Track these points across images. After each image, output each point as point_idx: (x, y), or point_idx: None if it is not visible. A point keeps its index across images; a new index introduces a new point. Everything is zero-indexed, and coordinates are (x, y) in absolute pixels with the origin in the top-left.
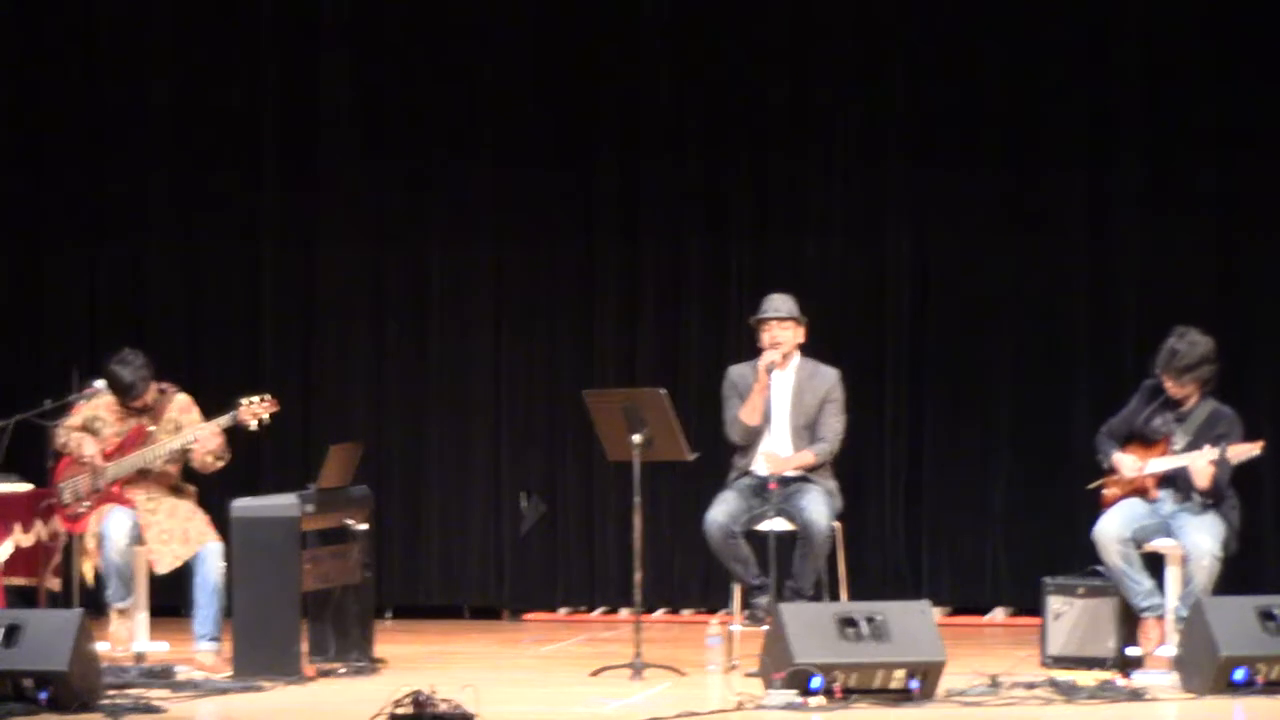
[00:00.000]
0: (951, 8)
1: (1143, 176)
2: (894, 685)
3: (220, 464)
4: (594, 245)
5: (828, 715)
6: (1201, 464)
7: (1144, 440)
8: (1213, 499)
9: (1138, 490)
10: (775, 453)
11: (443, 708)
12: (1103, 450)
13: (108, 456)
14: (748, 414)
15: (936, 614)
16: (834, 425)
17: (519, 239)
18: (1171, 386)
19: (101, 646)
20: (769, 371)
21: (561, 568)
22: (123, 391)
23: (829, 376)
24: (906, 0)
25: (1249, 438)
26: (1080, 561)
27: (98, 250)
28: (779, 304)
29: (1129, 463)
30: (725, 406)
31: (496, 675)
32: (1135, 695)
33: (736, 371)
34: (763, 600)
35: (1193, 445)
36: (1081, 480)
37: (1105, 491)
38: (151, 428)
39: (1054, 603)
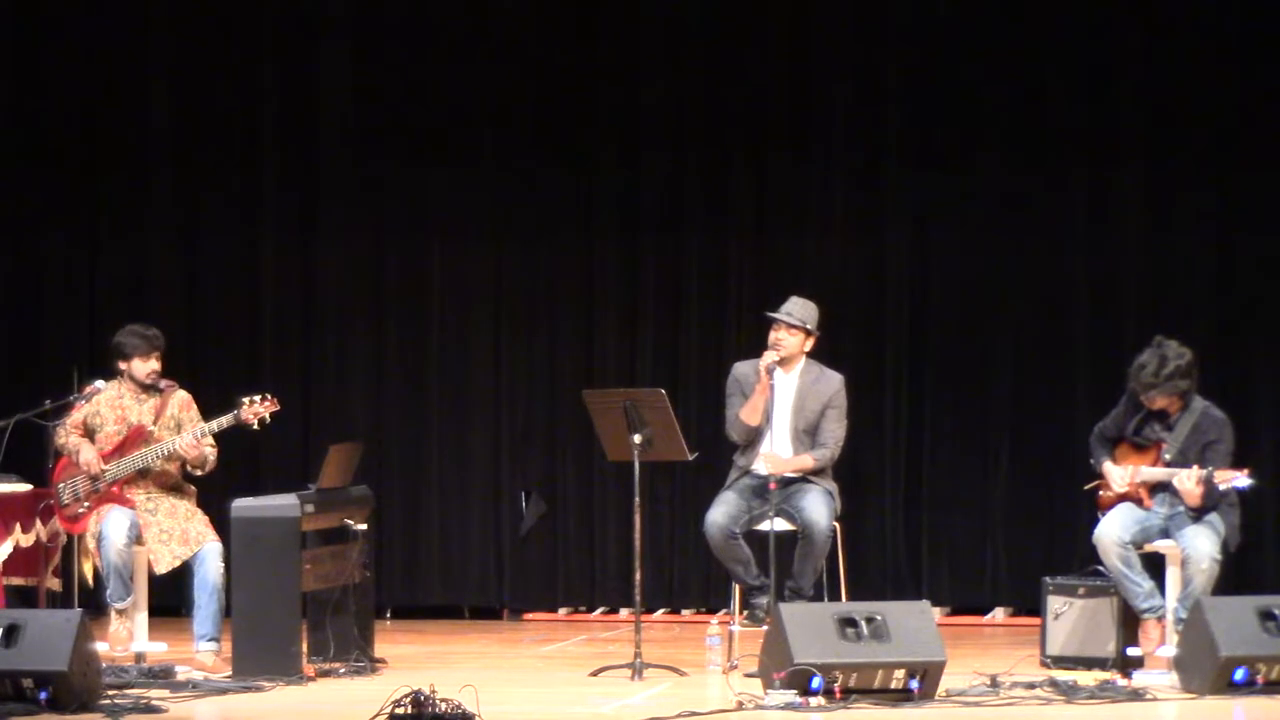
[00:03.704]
0: (951, 8)
1: (1143, 176)
2: (894, 685)
3: (199, 472)
4: (594, 245)
5: (828, 715)
6: (1189, 485)
7: (1135, 446)
8: (1204, 513)
9: (1132, 497)
10: (775, 454)
11: (443, 708)
12: (1095, 455)
13: (107, 456)
14: (748, 414)
15: (936, 614)
16: (835, 431)
17: (519, 239)
18: (1144, 399)
19: (101, 646)
20: (769, 372)
21: (561, 568)
22: (130, 347)
23: (833, 382)
24: (906, 1)
25: (1241, 443)
26: (1080, 561)
27: (98, 250)
28: (794, 308)
29: (1117, 475)
30: (728, 404)
31: (496, 675)
32: (1135, 695)
33: (741, 370)
34: (763, 600)
35: (1183, 452)
36: (1081, 480)
37: (1101, 494)
38: (151, 426)
39: (1054, 603)
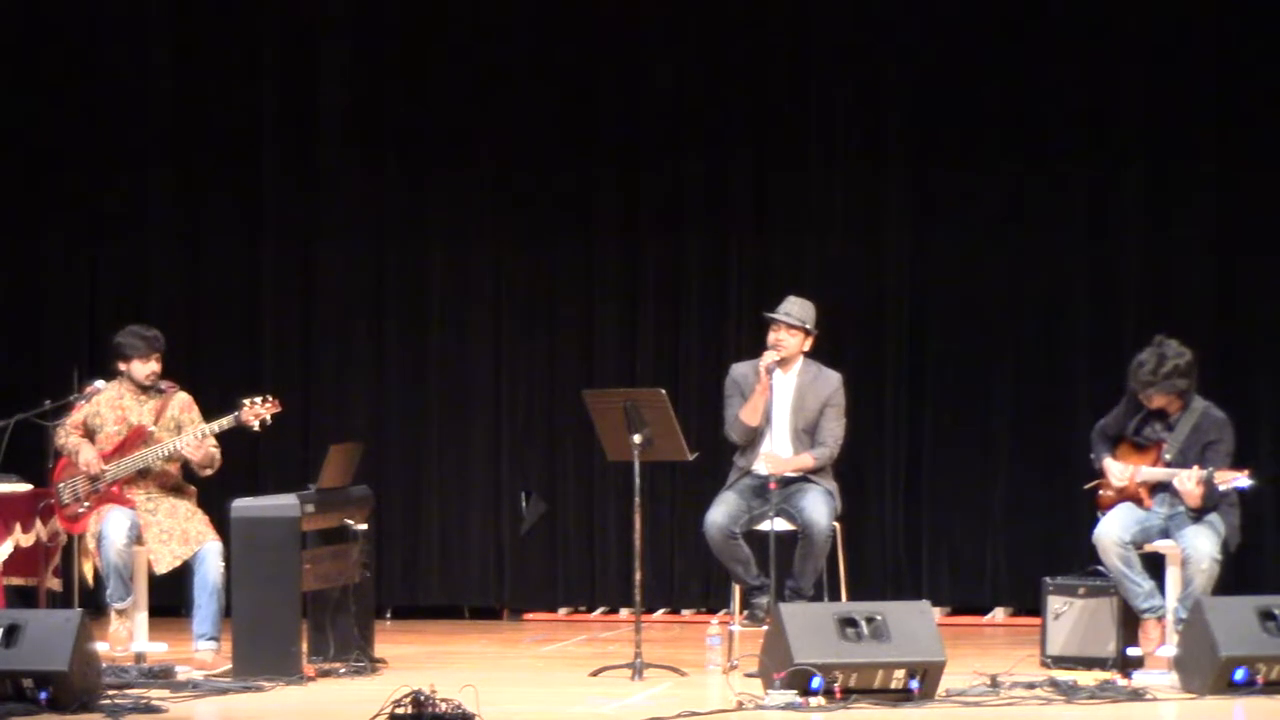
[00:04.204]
0: (951, 7)
1: (1143, 176)
2: (894, 685)
3: (207, 473)
4: (594, 245)
5: (828, 715)
6: (1189, 485)
7: (1136, 446)
8: (1204, 514)
9: (1132, 497)
10: (775, 454)
11: (443, 708)
12: (1095, 450)
13: (107, 456)
14: (748, 414)
15: (936, 614)
16: (834, 430)
17: (519, 239)
18: (1142, 398)
19: (101, 646)
20: (769, 372)
21: (561, 568)
22: (130, 348)
23: (831, 381)
24: (906, 1)
25: (1241, 443)
26: (1080, 561)
27: (98, 250)
28: (792, 308)
29: (1116, 471)
30: (726, 405)
31: (496, 675)
32: (1135, 695)
33: (739, 370)
34: (763, 600)
35: (1183, 452)
36: (1081, 480)
37: (1101, 494)
38: (151, 427)
39: (1054, 603)
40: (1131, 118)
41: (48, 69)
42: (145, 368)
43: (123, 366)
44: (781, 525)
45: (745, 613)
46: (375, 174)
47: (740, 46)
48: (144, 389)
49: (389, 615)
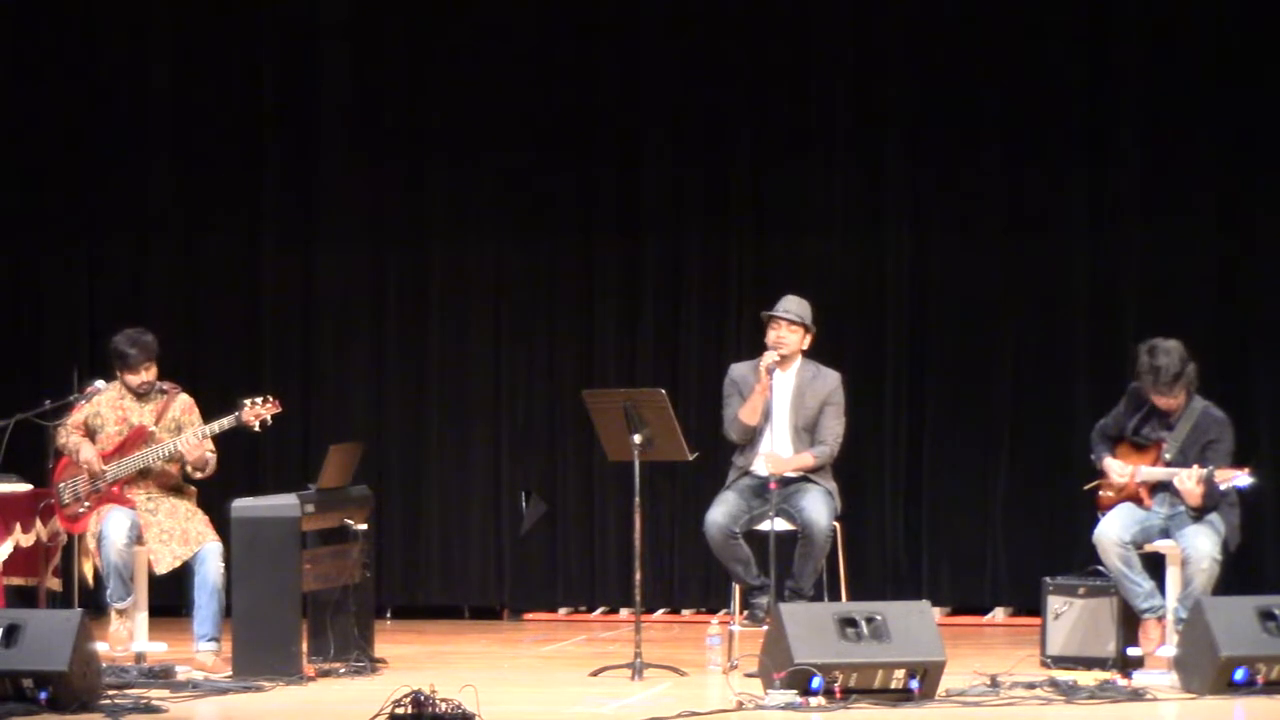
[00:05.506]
0: (951, 8)
1: (1143, 176)
2: (894, 685)
3: (200, 475)
4: (594, 245)
5: (828, 715)
6: (1190, 485)
7: (1135, 445)
8: (1204, 513)
9: (1132, 497)
10: (776, 453)
11: (443, 708)
12: (1095, 449)
13: (107, 456)
14: (747, 414)
15: (936, 614)
16: (834, 428)
17: (519, 239)
18: (1161, 401)
19: (101, 646)
20: (769, 372)
21: (561, 568)
22: (120, 358)
23: (830, 379)
24: (906, 1)
25: (1241, 443)
26: (1080, 561)
27: (98, 250)
28: (791, 305)
29: (1116, 469)
30: (725, 405)
31: (496, 675)
32: (1135, 695)
33: (738, 370)
34: (763, 600)
35: (1183, 452)
36: (1081, 480)
37: (1101, 494)
38: (152, 428)
39: (1054, 603)
40: (1131, 118)
41: (47, 69)
42: (137, 378)
43: (118, 372)
44: (781, 525)
45: (745, 613)
46: (375, 174)
47: (740, 46)
48: (143, 393)
49: (389, 615)
